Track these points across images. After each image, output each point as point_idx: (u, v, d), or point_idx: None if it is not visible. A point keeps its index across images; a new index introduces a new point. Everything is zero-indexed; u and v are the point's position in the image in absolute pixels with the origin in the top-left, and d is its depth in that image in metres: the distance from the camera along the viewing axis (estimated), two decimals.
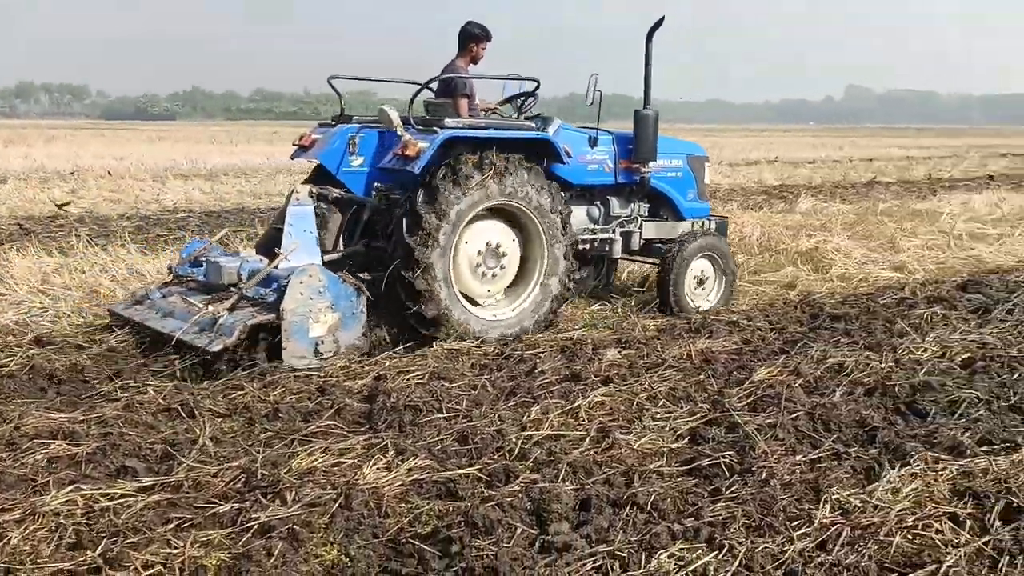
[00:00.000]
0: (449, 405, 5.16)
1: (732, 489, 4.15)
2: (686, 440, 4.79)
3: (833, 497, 4.02)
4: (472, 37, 7.51)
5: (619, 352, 6.28)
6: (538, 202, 6.81)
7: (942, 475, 4.27)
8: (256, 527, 3.69)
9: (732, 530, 3.72)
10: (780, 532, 3.75)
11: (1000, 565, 3.49)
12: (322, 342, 6.01)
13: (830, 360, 6.04)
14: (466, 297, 6.76)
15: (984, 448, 4.64)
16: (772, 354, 6.31)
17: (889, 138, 62.69)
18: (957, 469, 4.34)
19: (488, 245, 6.81)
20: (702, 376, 5.80)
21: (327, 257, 6.66)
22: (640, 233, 8.07)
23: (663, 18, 7.59)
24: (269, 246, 6.78)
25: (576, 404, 5.19)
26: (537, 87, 7.52)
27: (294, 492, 3.96)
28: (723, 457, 4.50)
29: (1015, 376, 5.81)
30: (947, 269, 10.17)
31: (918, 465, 4.36)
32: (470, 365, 6.01)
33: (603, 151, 7.77)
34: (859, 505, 3.96)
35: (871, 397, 5.45)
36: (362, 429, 4.93)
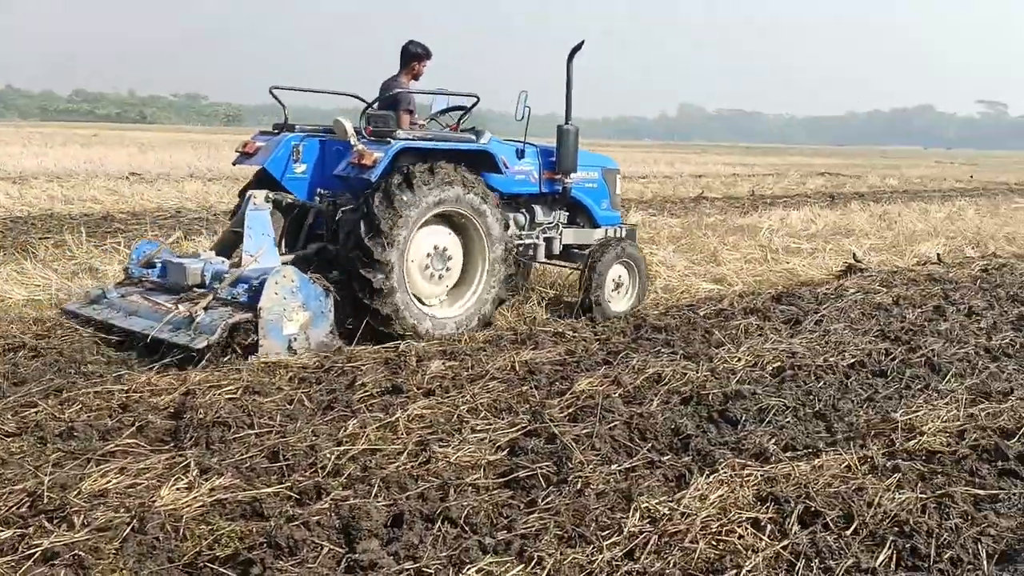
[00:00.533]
0: (261, 420, 4.97)
1: (547, 500, 4.14)
2: (505, 452, 4.77)
3: (643, 505, 4.07)
4: (415, 56, 8.14)
5: (443, 364, 6.21)
6: (481, 209, 7.28)
7: (747, 481, 4.39)
8: (39, 554, 3.43)
9: (544, 541, 3.70)
10: (591, 542, 3.76)
11: (797, 569, 3.60)
12: (295, 339, 6.38)
13: (650, 370, 6.15)
14: (416, 298, 7.10)
15: (788, 454, 4.82)
16: (595, 365, 6.38)
17: (717, 155, 65.32)
18: (762, 475, 4.47)
19: (436, 248, 7.23)
20: (525, 387, 5.80)
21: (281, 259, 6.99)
22: (560, 239, 8.62)
23: (583, 42, 8.11)
24: (227, 248, 7.18)
25: (395, 417, 5.09)
26: (476, 102, 8.09)
27: (83, 516, 3.70)
28: (540, 468, 4.50)
29: (820, 384, 6.07)
30: (764, 281, 10.60)
31: (725, 472, 4.48)
32: (287, 378, 5.82)
33: (529, 163, 8.23)
34: (667, 513, 4.02)
35: (687, 406, 5.57)
36: (165, 447, 4.67)
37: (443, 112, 8.39)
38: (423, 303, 7.19)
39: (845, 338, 7.28)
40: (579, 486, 4.31)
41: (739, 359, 6.55)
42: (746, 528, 3.92)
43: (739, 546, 3.76)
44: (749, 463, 4.63)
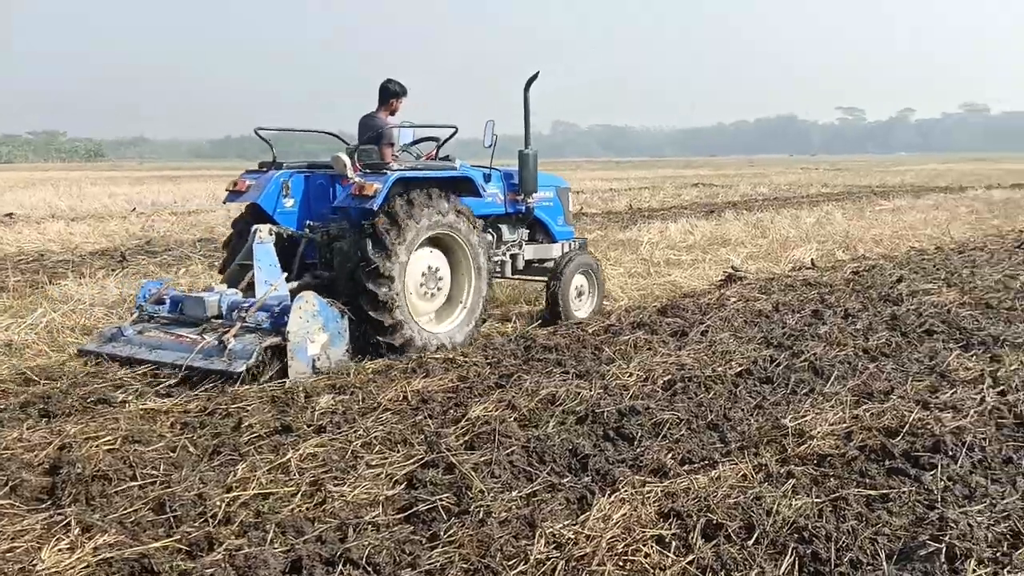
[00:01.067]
0: (144, 471, 4.72)
1: (450, 533, 4.05)
2: (403, 486, 4.65)
3: (548, 531, 4.03)
4: (392, 94, 8.73)
5: (333, 398, 6.05)
6: (467, 231, 7.96)
7: (649, 498, 4.40)
8: None
9: None
10: (497, 573, 3.69)
11: None
12: (318, 358, 6.87)
13: (543, 391, 6.12)
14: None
15: (686, 467, 4.85)
16: (488, 389, 6.32)
17: (591, 170, 66.34)
18: (662, 491, 4.49)
19: (429, 268, 7.84)
20: (419, 417, 5.69)
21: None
22: (523, 256, 9.34)
23: (538, 72, 8.81)
24: (235, 280, 7.62)
25: (287, 458, 4.92)
26: (455, 132, 8.65)
27: None
28: (440, 500, 4.41)
29: (710, 395, 6.15)
30: (648, 295, 10.75)
31: (626, 490, 4.47)
32: (169, 425, 5.56)
33: (496, 186, 8.91)
34: (572, 537, 3.99)
35: (582, 425, 5.56)
36: (42, 506, 4.39)
37: (412, 144, 9.02)
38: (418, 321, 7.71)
39: (731, 347, 7.41)
40: (481, 516, 4.23)
41: (631, 374, 6.59)
42: (651, 546, 3.92)
43: (646, 565, 3.75)
44: (649, 479, 4.64)
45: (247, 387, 6.36)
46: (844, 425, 5.46)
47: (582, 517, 4.20)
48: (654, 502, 4.36)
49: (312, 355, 6.82)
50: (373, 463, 4.91)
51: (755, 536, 3.99)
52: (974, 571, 3.65)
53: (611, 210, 25.61)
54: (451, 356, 7.25)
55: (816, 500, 4.36)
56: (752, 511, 4.20)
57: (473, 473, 4.69)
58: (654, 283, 11.50)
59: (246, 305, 7.07)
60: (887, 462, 4.86)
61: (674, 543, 3.96)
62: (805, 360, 6.97)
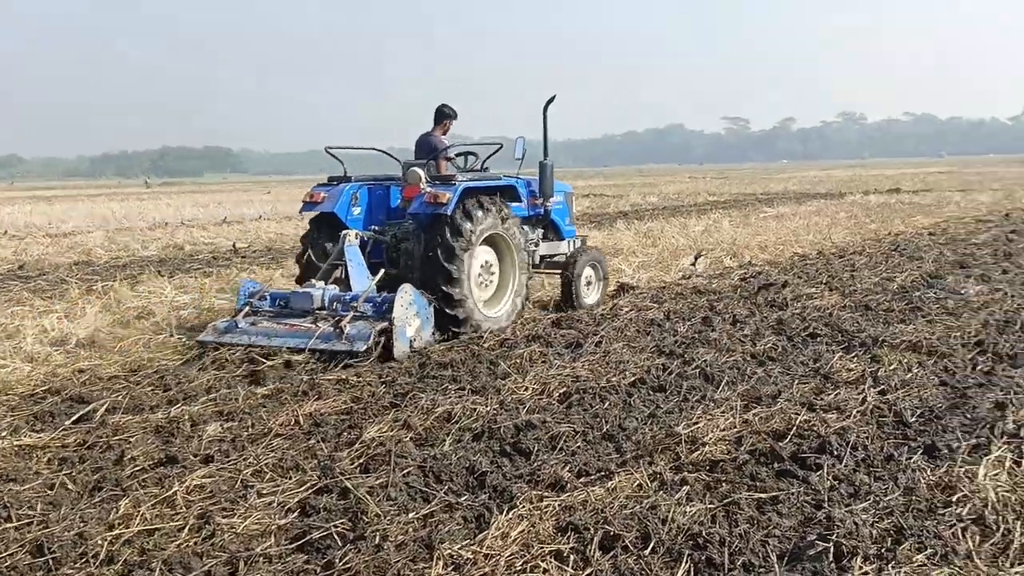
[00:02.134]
0: (20, 511, 4.48)
1: (345, 560, 3.97)
2: (295, 514, 4.53)
3: (446, 553, 3.98)
4: (446, 116, 10.36)
5: (221, 425, 5.88)
6: (513, 231, 9.35)
7: (546, 513, 4.39)
8: None
9: None
10: None
11: None
12: (414, 340, 8.08)
13: (439, 409, 6.07)
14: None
15: (582, 479, 4.86)
16: (382, 409, 6.23)
17: None
18: (559, 504, 4.48)
19: (485, 264, 9.23)
20: (311, 441, 5.57)
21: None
22: (539, 252, 10.58)
23: (555, 96, 10.17)
24: (326, 276, 8.94)
25: (172, 491, 4.74)
26: (499, 148, 10.07)
27: None
28: (335, 526, 4.31)
29: (606, 405, 6.19)
30: (547, 306, 10.80)
31: (524, 506, 4.45)
32: (46, 461, 5.30)
33: (521, 192, 10.14)
34: (470, 557, 3.95)
35: (479, 442, 5.52)
36: None
37: (457, 156, 10.39)
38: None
39: (624, 357, 7.49)
40: (377, 540, 4.16)
41: (526, 388, 6.59)
42: (550, 562, 3.91)
43: None
44: (546, 494, 4.63)
45: (128, 417, 6.12)
46: (735, 430, 5.56)
47: (480, 536, 4.16)
48: (552, 516, 4.35)
49: (410, 336, 8.05)
50: (264, 492, 4.78)
51: (651, 545, 4.02)
52: (860, 568, 3.75)
53: None
54: (344, 377, 7.13)
55: (709, 506, 4.42)
56: (648, 520, 4.23)
57: (368, 497, 4.61)
58: (547, 295, 11.54)
59: (349, 297, 8.35)
60: (776, 464, 4.97)
61: (572, 557, 3.97)
62: (696, 367, 7.09)
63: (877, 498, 4.45)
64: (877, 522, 4.16)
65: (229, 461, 5.22)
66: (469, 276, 8.76)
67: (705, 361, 7.24)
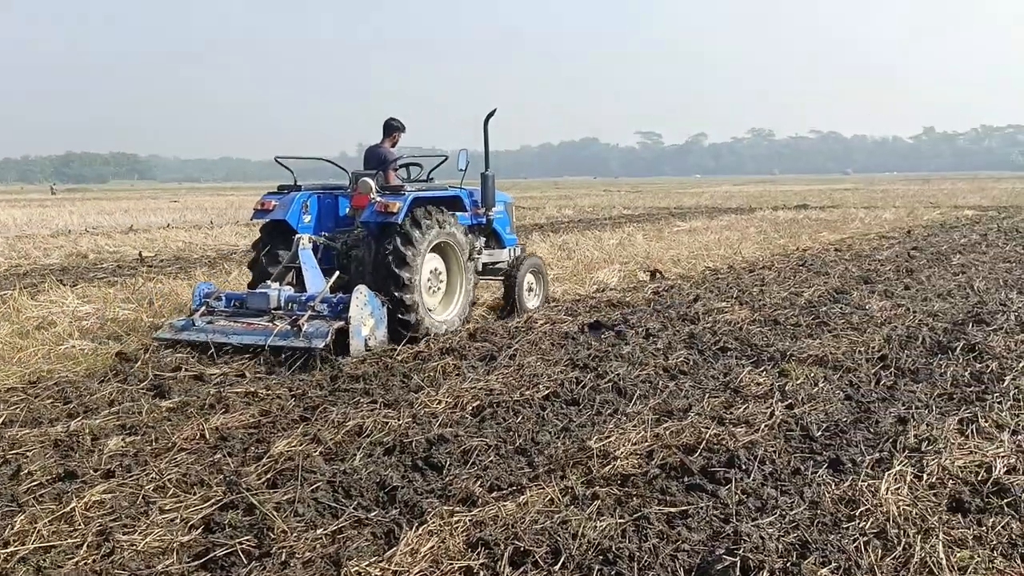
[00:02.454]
0: None
1: None
2: (199, 530, 4.41)
3: (353, 570, 3.92)
4: (394, 128, 10.80)
5: (123, 440, 5.69)
6: (459, 239, 9.83)
7: (457, 528, 4.35)
8: None
9: None
10: None
11: None
12: (369, 339, 8.51)
13: (350, 423, 5.99)
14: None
15: (494, 494, 4.83)
16: (292, 423, 6.12)
17: None
18: (470, 520, 4.45)
19: (434, 271, 9.69)
20: (217, 456, 5.43)
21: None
22: (481, 259, 10.90)
23: (495, 109, 10.58)
24: (280, 278, 9.34)
25: (71, 507, 4.58)
26: (444, 160, 10.86)
27: None
28: (240, 543, 4.21)
29: (519, 419, 6.18)
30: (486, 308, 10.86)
31: (435, 521, 4.41)
32: None
33: (466, 202, 10.59)
34: (379, 574, 3.89)
35: (391, 456, 5.46)
36: None
37: (402, 167, 10.89)
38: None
39: (539, 370, 7.49)
40: (283, 557, 4.07)
41: (439, 401, 6.54)
42: None
43: None
44: (457, 509, 4.59)
45: (27, 431, 5.89)
46: (646, 444, 5.59)
47: (389, 552, 4.10)
48: (462, 532, 4.31)
49: (365, 336, 8.43)
50: (167, 508, 4.64)
51: (561, 560, 4.02)
52: None
53: None
54: (253, 390, 6.98)
55: (620, 520, 4.43)
56: (558, 535, 4.23)
57: (275, 513, 4.51)
58: (491, 297, 11.50)
59: (305, 297, 8.78)
60: (686, 478, 5.02)
61: (482, 573, 3.94)
62: (609, 381, 7.13)
63: (783, 512, 4.52)
64: (783, 536, 4.22)
65: (131, 476, 5.06)
66: (420, 282, 9.15)
67: (618, 374, 7.29)
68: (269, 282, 9.20)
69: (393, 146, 10.84)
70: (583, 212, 37.74)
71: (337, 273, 9.35)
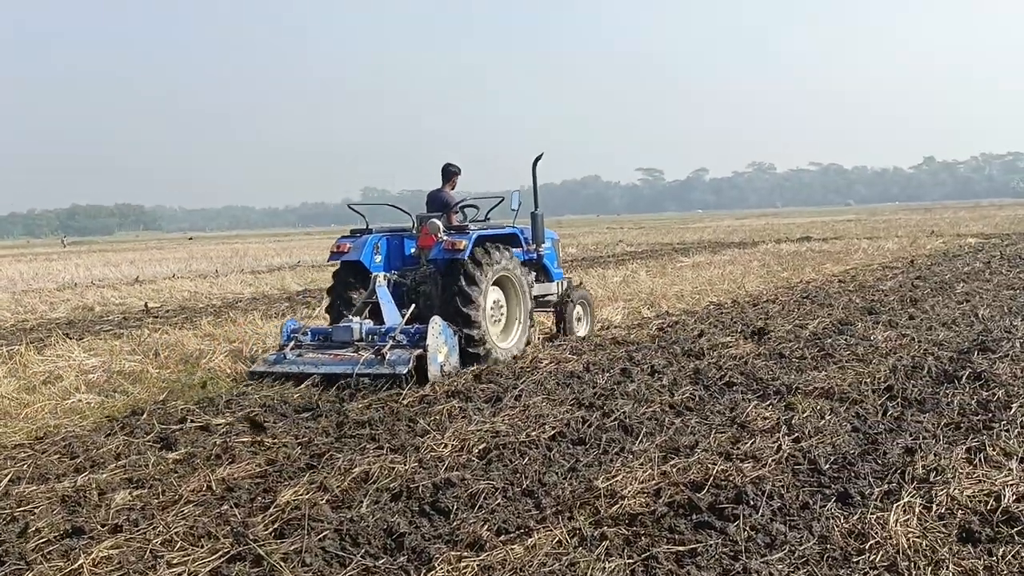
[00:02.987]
0: None
1: None
2: None
3: None
4: (452, 173, 11.75)
5: (129, 493, 5.69)
6: (518, 274, 10.80)
7: (465, 573, 4.33)
8: None
9: None
10: None
11: None
12: (444, 365, 9.34)
13: (356, 469, 5.98)
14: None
15: (502, 538, 4.81)
16: (298, 471, 6.11)
17: None
18: (478, 564, 4.43)
19: (495, 302, 10.58)
20: (224, 507, 5.42)
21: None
22: (531, 292, 11.45)
23: (543, 153, 11.78)
24: (359, 312, 10.27)
25: (78, 564, 4.57)
26: (501, 201, 11.62)
27: None
28: None
29: (525, 460, 6.17)
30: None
31: (443, 567, 4.39)
32: None
33: (521, 239, 11.51)
34: None
35: (397, 502, 5.45)
36: None
37: (464, 207, 11.67)
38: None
39: (544, 410, 7.48)
40: None
41: (446, 445, 6.53)
42: None
43: None
44: (465, 554, 4.58)
45: (33, 487, 5.89)
46: (653, 482, 5.57)
47: None
48: None
49: (440, 362, 9.26)
50: (175, 562, 4.63)
51: None
52: None
53: None
54: (259, 439, 6.98)
55: (628, 560, 4.41)
56: None
57: (283, 563, 4.50)
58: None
59: (385, 329, 9.69)
60: (694, 516, 5.00)
61: None
62: (615, 419, 7.12)
63: (793, 547, 4.50)
64: (793, 572, 4.20)
65: (138, 530, 5.05)
66: (484, 315, 10.01)
67: (624, 412, 7.28)
68: (350, 316, 10.08)
69: (452, 189, 11.80)
70: (586, 250, 37.84)
71: (412, 306, 10.34)
